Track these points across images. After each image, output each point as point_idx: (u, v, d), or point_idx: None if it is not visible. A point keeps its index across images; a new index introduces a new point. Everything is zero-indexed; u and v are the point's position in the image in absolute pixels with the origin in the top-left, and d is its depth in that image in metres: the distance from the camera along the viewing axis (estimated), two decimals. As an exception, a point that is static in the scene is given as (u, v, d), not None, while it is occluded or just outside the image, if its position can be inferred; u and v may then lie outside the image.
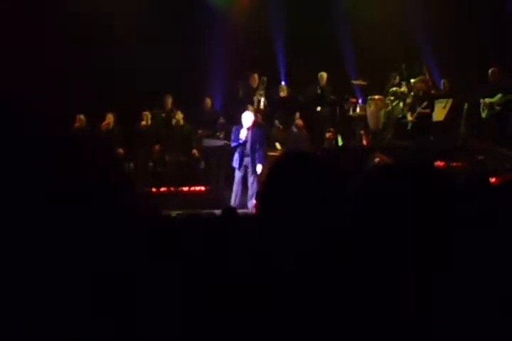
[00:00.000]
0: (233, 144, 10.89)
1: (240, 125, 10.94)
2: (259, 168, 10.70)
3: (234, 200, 10.70)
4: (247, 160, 10.76)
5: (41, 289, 1.32)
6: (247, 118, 10.94)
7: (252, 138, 10.77)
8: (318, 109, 13.12)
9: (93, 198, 1.42)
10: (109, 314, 1.37)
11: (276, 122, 13.04)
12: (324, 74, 13.15)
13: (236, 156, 10.82)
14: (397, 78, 12.96)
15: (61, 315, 1.32)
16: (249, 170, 10.76)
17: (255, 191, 10.62)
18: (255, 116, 12.78)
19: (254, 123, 11.02)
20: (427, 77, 12.53)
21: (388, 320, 1.47)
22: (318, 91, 13.13)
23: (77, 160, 1.45)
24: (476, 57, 12.10)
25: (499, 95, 11.42)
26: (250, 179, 10.74)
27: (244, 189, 10.82)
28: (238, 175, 10.83)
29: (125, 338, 1.39)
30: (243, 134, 10.76)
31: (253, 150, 10.74)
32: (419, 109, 11.70)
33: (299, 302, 1.52)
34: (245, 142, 10.75)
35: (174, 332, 1.53)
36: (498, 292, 1.54)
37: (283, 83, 13.66)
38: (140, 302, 1.44)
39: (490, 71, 11.63)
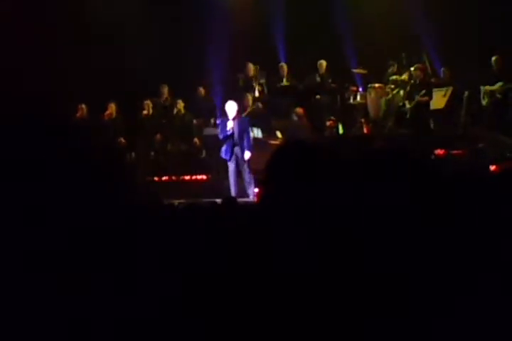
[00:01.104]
0: (221, 136, 10.91)
1: (225, 117, 10.98)
2: (247, 154, 10.74)
3: (233, 191, 10.72)
4: (237, 149, 10.80)
5: (42, 286, 1.33)
6: (231, 108, 10.95)
7: (238, 127, 10.80)
8: (317, 97, 13.09)
9: (94, 188, 1.43)
10: (112, 305, 1.38)
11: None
12: (324, 62, 13.11)
13: (225, 148, 10.85)
14: (395, 66, 12.94)
15: (62, 312, 1.33)
16: (240, 158, 10.79)
17: (250, 179, 10.67)
18: (255, 104, 12.78)
19: (239, 113, 11.04)
20: (427, 64, 12.50)
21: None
22: (318, 79, 13.10)
23: (78, 150, 1.45)
24: (477, 46, 12.05)
25: (500, 83, 11.39)
26: (243, 167, 10.77)
27: (240, 178, 10.86)
28: (231, 166, 10.88)
29: (127, 332, 1.40)
30: (229, 125, 10.78)
31: (241, 138, 10.79)
32: (417, 98, 11.68)
33: (299, 291, 1.53)
34: (232, 133, 10.77)
35: (172, 323, 1.54)
36: (500, 279, 1.56)
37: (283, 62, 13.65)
38: (141, 294, 1.45)
39: (493, 58, 11.59)
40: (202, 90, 13.66)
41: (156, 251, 1.63)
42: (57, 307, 1.33)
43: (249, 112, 12.23)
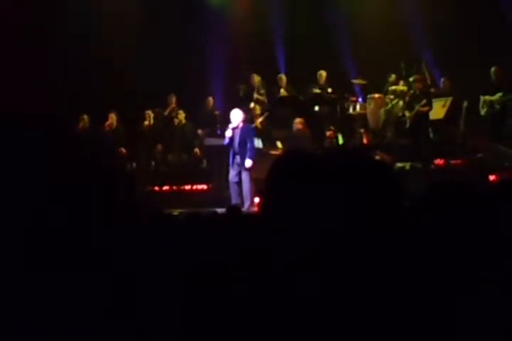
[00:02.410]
0: (224, 143, 10.85)
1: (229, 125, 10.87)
2: (248, 162, 10.59)
3: (234, 198, 10.62)
4: (237, 158, 10.66)
5: (41, 289, 1.33)
6: (235, 116, 10.80)
7: (240, 135, 10.67)
8: (317, 108, 13.09)
9: (96, 197, 1.44)
10: (110, 313, 1.38)
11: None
12: (323, 73, 13.12)
13: (230, 155, 10.76)
14: (393, 77, 12.97)
15: (62, 314, 1.33)
16: (241, 167, 10.64)
17: (249, 190, 10.56)
18: (265, 113, 12.80)
19: (244, 121, 10.91)
20: (426, 75, 12.52)
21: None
22: (317, 90, 13.11)
23: (80, 159, 1.46)
24: (476, 56, 12.07)
25: (499, 93, 11.39)
26: (243, 176, 10.63)
27: (240, 188, 10.72)
28: (231, 173, 10.72)
29: (126, 336, 1.40)
30: (227, 134, 10.68)
31: (241, 147, 10.62)
32: (417, 107, 11.69)
33: (298, 300, 1.53)
34: (232, 142, 10.67)
35: (173, 330, 1.55)
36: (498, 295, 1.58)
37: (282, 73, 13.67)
38: (141, 301, 1.46)
39: (492, 69, 11.58)
40: (211, 100, 13.65)
41: (157, 261, 1.63)
42: (60, 309, 1.34)
43: (261, 122, 12.32)
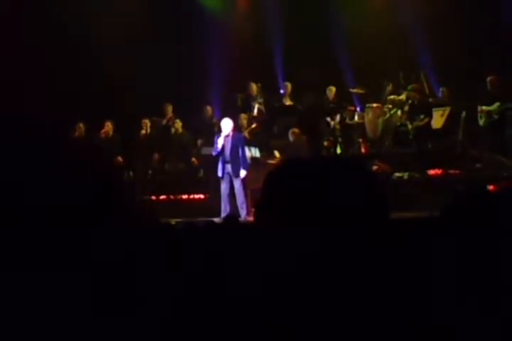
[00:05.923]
0: (214, 153, 10.83)
1: (220, 133, 10.87)
2: (242, 173, 10.59)
3: (224, 210, 10.55)
4: (228, 167, 10.63)
5: (39, 294, 1.33)
6: (226, 125, 10.82)
7: (231, 143, 10.68)
8: (328, 120, 13.13)
9: (92, 206, 1.42)
10: (106, 322, 1.38)
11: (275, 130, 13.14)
12: (333, 89, 13.20)
13: (219, 165, 10.71)
14: (390, 85, 13.03)
15: (60, 318, 1.33)
16: (232, 176, 10.61)
17: (244, 199, 10.53)
18: (251, 123, 12.83)
19: (234, 129, 10.94)
20: (424, 85, 12.58)
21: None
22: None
23: (76, 168, 1.45)
24: (475, 66, 12.12)
25: (497, 103, 11.43)
26: (236, 186, 10.61)
27: (233, 198, 10.67)
28: (223, 185, 10.67)
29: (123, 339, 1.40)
30: (220, 142, 10.67)
31: (232, 155, 10.62)
32: (417, 123, 11.77)
33: (298, 311, 1.52)
34: (222, 150, 10.64)
35: (170, 335, 1.53)
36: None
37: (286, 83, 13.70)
38: (138, 310, 1.44)
39: (488, 79, 11.64)
40: (209, 109, 13.68)
41: (154, 270, 1.62)
42: (58, 313, 1.33)
43: (249, 131, 12.32)
